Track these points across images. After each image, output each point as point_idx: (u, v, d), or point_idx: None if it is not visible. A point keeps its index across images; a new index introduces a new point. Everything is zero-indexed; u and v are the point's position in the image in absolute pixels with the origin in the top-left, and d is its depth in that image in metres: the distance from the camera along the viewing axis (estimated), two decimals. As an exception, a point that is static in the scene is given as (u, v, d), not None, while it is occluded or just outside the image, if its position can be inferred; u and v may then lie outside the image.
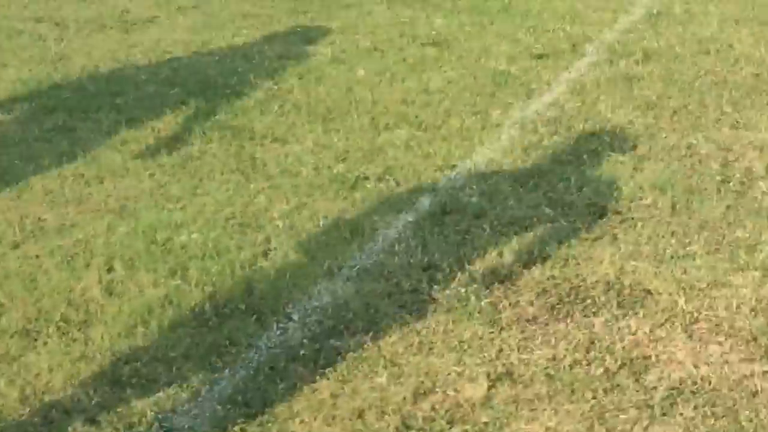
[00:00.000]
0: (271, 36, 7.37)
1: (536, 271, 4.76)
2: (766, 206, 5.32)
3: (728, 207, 5.28)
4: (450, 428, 4.07)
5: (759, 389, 4.09)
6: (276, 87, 6.77)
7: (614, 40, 7.20)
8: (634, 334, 4.39)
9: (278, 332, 4.53)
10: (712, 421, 3.93)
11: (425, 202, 5.34)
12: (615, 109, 6.23)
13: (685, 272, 4.74)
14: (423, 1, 7.82)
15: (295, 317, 4.62)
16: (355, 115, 6.19)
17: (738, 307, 4.50)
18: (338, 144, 6.01)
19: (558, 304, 4.55)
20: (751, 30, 7.31)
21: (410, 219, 5.22)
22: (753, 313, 4.49)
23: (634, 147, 5.85)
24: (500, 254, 4.86)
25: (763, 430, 3.91)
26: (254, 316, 4.58)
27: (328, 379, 4.33)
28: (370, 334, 4.43)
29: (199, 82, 6.93)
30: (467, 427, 4.07)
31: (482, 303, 4.53)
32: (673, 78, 6.63)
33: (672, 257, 4.89)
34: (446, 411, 4.15)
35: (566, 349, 4.26)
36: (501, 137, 5.92)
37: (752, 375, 4.14)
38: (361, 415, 4.18)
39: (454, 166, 5.66)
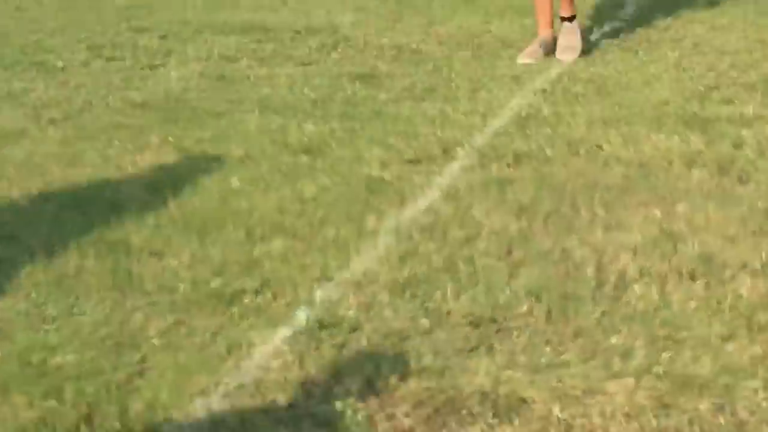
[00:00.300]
0: (143, 146, 7.32)
1: (412, 383, 4.73)
2: (640, 310, 5.35)
3: (603, 313, 5.31)
4: None
5: None
6: (151, 199, 6.77)
7: (485, 144, 7.29)
8: None
9: (153, 453, 4.22)
10: None
11: (302, 315, 5.31)
12: (489, 213, 6.30)
13: (560, 380, 4.73)
14: (293, 108, 7.84)
15: (171, 437, 4.37)
16: (231, 227, 6.22)
17: (612, 413, 4.52)
18: (215, 257, 5.98)
19: (434, 415, 4.53)
20: (618, 130, 7.48)
21: (287, 334, 5.18)
22: (627, 418, 4.53)
23: (509, 252, 5.92)
24: (377, 367, 4.84)
25: None
26: (130, 437, 4.31)
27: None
28: (247, 451, 4.13)
29: (73, 196, 6.86)
30: None
31: (358, 417, 4.52)
32: (545, 181, 6.76)
33: (547, 366, 4.88)
34: None
35: (442, 460, 4.22)
36: (377, 246, 5.98)
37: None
38: None
39: (330, 278, 5.67)
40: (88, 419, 4.58)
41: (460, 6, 9.52)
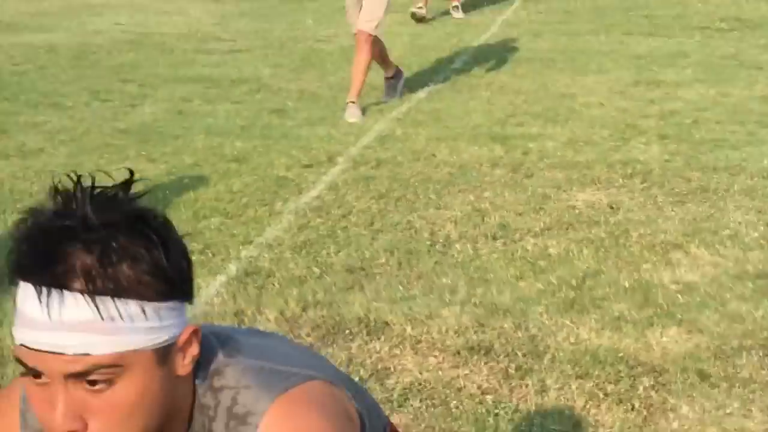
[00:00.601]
0: (124, 159, 7.04)
1: (310, 312, 4.84)
2: (461, 261, 5.44)
3: (436, 263, 5.42)
4: None
5: (462, 386, 4.17)
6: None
7: (357, 154, 7.28)
8: (378, 353, 4.45)
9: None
10: (432, 409, 4.01)
11: (232, 268, 5.37)
12: (358, 199, 6.37)
13: (410, 309, 4.86)
14: (228, 132, 7.81)
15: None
16: (182, 209, 6.13)
17: (446, 330, 4.63)
18: None
19: (326, 335, 4.65)
20: (447, 144, 7.48)
21: (223, 280, 5.22)
22: (455, 334, 4.61)
23: (372, 224, 5.97)
24: (285, 302, 4.93)
25: (466, 414, 3.94)
26: None
27: None
28: None
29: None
30: None
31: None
32: (396, 177, 6.75)
33: (401, 299, 5.01)
34: None
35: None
36: (282, 221, 6.03)
37: (458, 377, 4.23)
38: None
39: (251, 242, 5.70)
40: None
41: (344, 63, 9.53)
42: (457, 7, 12.64)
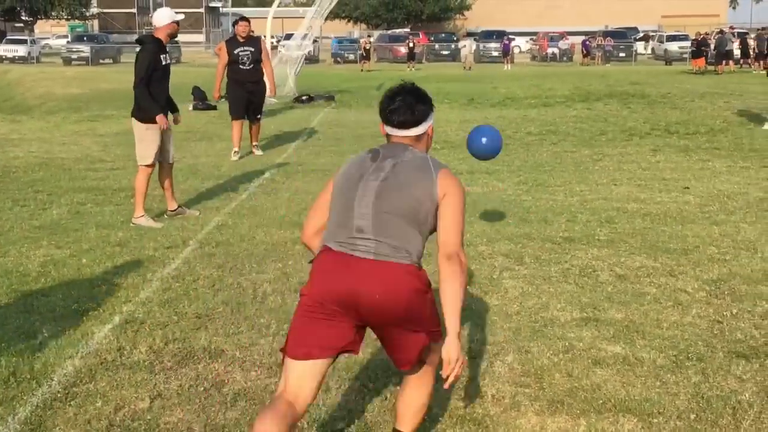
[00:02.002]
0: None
1: (171, 345, 4.77)
2: (274, 308, 5.42)
3: (256, 309, 5.40)
4: None
5: (274, 390, 4.19)
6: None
7: (203, 238, 7.11)
8: (217, 370, 4.38)
9: None
10: (254, 407, 4.03)
11: (117, 318, 5.20)
12: (204, 269, 6.26)
13: (239, 340, 4.83)
14: (113, 225, 7.57)
15: None
16: (75, 282, 5.99)
17: (263, 353, 4.64)
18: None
19: (182, 360, 4.56)
20: (263, 229, 7.45)
21: (109, 326, 5.04)
22: (270, 356, 4.58)
23: (213, 285, 5.87)
24: (154, 340, 4.84)
25: None
26: None
27: None
28: None
29: None
30: None
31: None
32: (230, 253, 6.64)
33: (233, 333, 4.98)
34: None
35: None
36: (152, 286, 5.87)
37: (271, 384, 4.24)
38: None
39: (130, 300, 5.53)
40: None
41: (190, 176, 9.35)
42: (257, 145, 12.50)
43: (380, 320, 3.10)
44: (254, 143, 12.51)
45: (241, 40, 11.93)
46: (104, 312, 5.37)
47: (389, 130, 3.34)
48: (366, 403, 4.08)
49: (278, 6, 26.08)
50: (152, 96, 7.63)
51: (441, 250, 3.11)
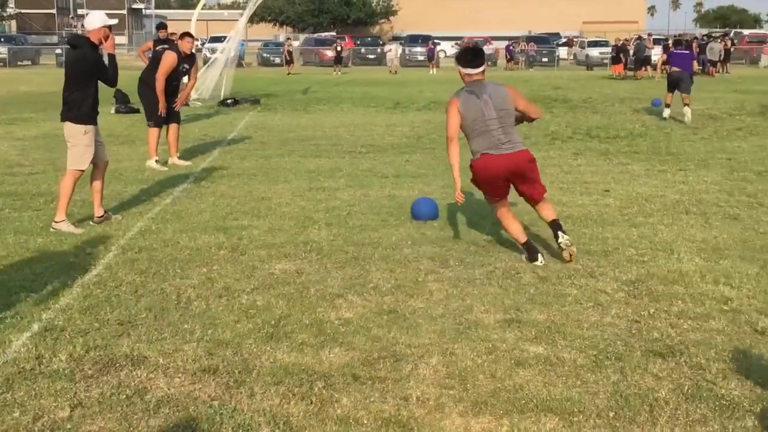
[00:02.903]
0: None
1: (92, 353, 4.69)
2: (198, 313, 5.38)
3: (180, 315, 5.35)
4: None
5: (197, 396, 4.14)
6: None
7: (125, 243, 7.01)
8: (140, 377, 4.34)
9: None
10: (177, 413, 4.00)
11: (35, 326, 5.09)
12: (126, 274, 6.18)
13: (162, 346, 4.78)
14: (31, 230, 7.40)
15: None
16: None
17: (187, 359, 4.61)
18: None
19: (103, 368, 4.50)
20: (187, 234, 7.40)
21: (28, 335, 4.94)
22: (193, 362, 4.55)
23: (136, 291, 5.81)
24: (74, 347, 4.75)
25: (200, 414, 3.97)
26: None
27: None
28: None
29: None
30: None
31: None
32: (153, 259, 6.58)
33: (156, 340, 4.91)
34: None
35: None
36: (72, 293, 5.75)
37: (195, 390, 4.22)
38: None
39: (50, 308, 5.43)
40: None
41: (112, 180, 9.19)
42: (180, 157, 12.15)
43: (521, 177, 6.58)
44: (176, 154, 11.99)
45: (184, 56, 11.57)
46: (22, 320, 5.24)
47: (470, 71, 6.59)
48: (291, 408, 4.07)
49: (202, 8, 25.81)
50: (83, 99, 7.58)
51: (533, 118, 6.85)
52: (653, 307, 5.53)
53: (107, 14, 7.87)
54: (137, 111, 18.20)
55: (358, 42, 58.92)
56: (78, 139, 7.65)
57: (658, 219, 8.14)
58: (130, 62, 36.10)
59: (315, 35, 63.81)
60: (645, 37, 45.33)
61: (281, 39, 66.77)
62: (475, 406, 4.09)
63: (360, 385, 4.31)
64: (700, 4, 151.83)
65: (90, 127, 7.67)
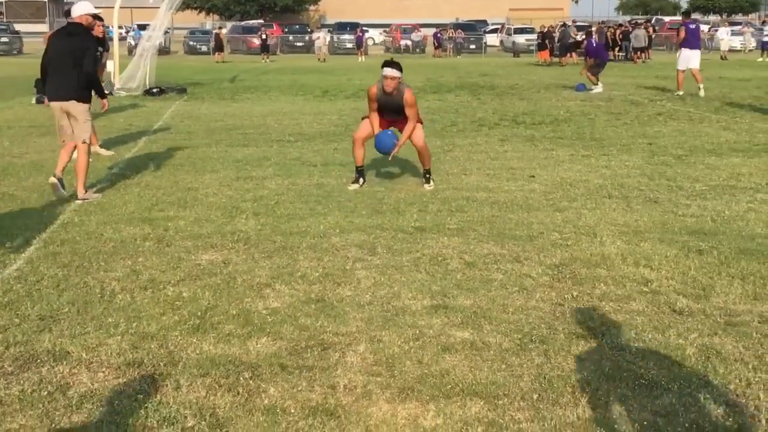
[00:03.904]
0: None
1: (12, 349, 4.59)
2: (122, 306, 5.30)
3: (104, 308, 5.27)
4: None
5: (122, 390, 4.09)
6: None
7: (47, 236, 6.87)
8: (62, 373, 4.28)
9: None
10: (101, 408, 3.96)
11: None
12: (48, 268, 6.06)
13: (86, 341, 4.72)
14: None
15: None
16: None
17: (111, 353, 4.54)
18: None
19: (23, 364, 4.41)
20: (111, 226, 7.27)
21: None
22: (118, 355, 4.49)
23: (58, 285, 5.69)
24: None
25: (124, 409, 3.92)
26: None
27: None
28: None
29: None
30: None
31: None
32: (76, 252, 6.47)
33: (79, 334, 4.83)
34: None
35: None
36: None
37: (119, 384, 4.17)
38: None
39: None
40: None
41: (34, 172, 8.92)
42: (102, 146, 11.90)
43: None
44: (97, 143, 11.78)
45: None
46: (-62, 317, 5.10)
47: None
48: (217, 399, 4.04)
49: (126, -5, 25.29)
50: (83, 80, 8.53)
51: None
52: (576, 290, 5.63)
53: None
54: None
55: (286, 29, 58.51)
56: (86, 115, 8.66)
57: (582, 203, 8.29)
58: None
59: (242, 23, 63.10)
60: (570, 24, 45.98)
61: (208, 27, 65.94)
62: (401, 393, 4.12)
63: (287, 375, 4.30)
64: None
65: (90, 105, 8.79)
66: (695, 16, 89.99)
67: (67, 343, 4.71)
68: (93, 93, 8.86)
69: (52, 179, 8.49)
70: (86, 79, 8.53)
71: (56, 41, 8.66)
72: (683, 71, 20.00)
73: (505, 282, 5.83)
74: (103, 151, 11.59)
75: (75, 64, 8.43)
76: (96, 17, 9.08)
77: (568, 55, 37.73)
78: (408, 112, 8.75)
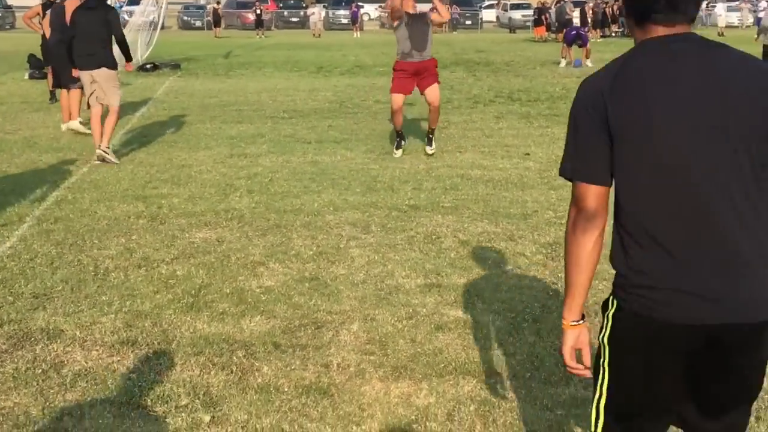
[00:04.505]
0: None
1: (6, 327, 4.61)
2: (116, 284, 5.31)
3: (98, 286, 5.27)
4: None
5: (116, 369, 4.09)
6: None
7: (40, 214, 6.92)
8: (56, 351, 4.28)
9: None
10: (95, 386, 3.95)
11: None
12: (42, 246, 6.06)
13: (79, 319, 4.72)
14: None
15: None
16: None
17: (105, 332, 4.54)
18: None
19: (17, 342, 4.42)
20: (104, 203, 7.27)
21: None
22: (112, 334, 4.49)
23: (52, 263, 5.68)
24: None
25: (117, 386, 3.94)
26: None
27: None
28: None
29: None
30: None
31: None
32: (70, 230, 6.44)
33: (72, 312, 4.83)
34: None
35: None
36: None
37: (113, 362, 4.18)
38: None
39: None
40: None
41: (27, 149, 8.91)
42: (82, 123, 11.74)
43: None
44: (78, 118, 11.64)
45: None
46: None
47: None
48: (211, 378, 4.06)
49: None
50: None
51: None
52: (570, 269, 5.63)
53: None
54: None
55: (281, 5, 58.15)
56: (114, 81, 9.37)
57: (576, 182, 8.28)
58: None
59: (237, -2, 62.63)
60: (566, 0, 45.75)
61: (202, 2, 65.49)
62: (395, 371, 4.14)
63: (281, 353, 4.32)
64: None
65: (117, 71, 9.52)
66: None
67: (61, 322, 4.72)
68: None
69: (99, 151, 9.08)
70: (118, 44, 9.45)
71: (81, 15, 9.21)
72: None
73: (499, 261, 5.85)
74: (81, 128, 11.34)
75: (102, 34, 9.16)
76: None
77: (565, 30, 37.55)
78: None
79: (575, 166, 2.23)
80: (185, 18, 53.20)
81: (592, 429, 2.32)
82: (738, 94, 2.04)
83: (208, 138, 10.91)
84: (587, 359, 2.34)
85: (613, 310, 2.27)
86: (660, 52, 2.10)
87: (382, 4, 59.17)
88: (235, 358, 4.27)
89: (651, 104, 2.06)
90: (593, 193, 2.17)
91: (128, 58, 9.88)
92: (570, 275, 2.25)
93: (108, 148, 9.17)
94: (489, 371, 4.14)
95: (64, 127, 11.37)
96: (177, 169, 8.90)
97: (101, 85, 9.27)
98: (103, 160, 9.09)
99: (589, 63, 22.84)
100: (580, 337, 2.33)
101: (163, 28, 46.62)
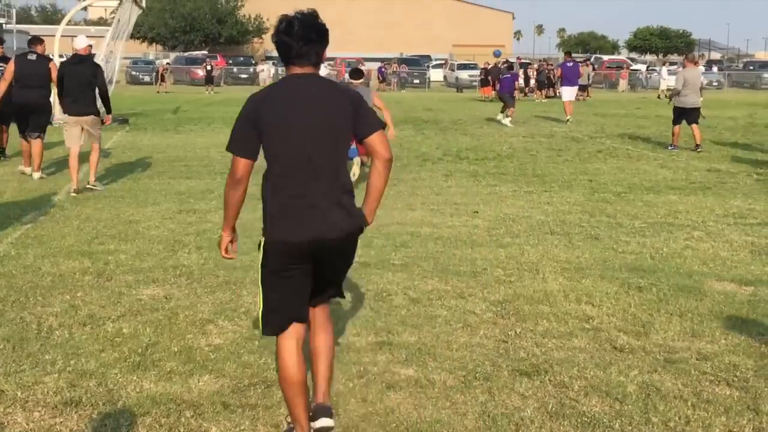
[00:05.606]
0: None
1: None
2: (60, 342, 5.20)
3: (41, 345, 5.15)
4: None
5: (59, 430, 4.04)
6: None
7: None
8: None
9: None
10: None
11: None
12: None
13: (21, 379, 4.60)
14: None
15: None
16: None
17: (47, 392, 4.43)
18: None
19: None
20: (49, 259, 7.14)
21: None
22: (55, 394, 4.38)
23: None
24: None
25: None
26: None
27: None
28: None
29: None
30: None
31: None
32: (12, 286, 6.30)
33: (14, 372, 4.70)
34: None
35: None
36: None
37: (56, 424, 4.06)
38: None
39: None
40: None
41: None
42: (40, 172, 11.91)
43: None
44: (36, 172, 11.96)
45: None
46: None
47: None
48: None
49: (67, 24, 25.00)
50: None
51: None
52: (520, 327, 5.67)
53: None
54: None
55: (231, 61, 58.40)
56: (99, 125, 10.93)
57: (525, 239, 8.38)
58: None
59: (186, 54, 62.85)
60: (513, 61, 46.73)
61: (151, 57, 65.50)
62: (346, 431, 4.08)
63: (230, 414, 4.24)
64: (563, 30, 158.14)
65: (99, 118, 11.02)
66: (633, 55, 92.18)
67: (2, 382, 4.58)
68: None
69: (88, 186, 10.71)
70: (101, 96, 10.87)
71: (70, 69, 10.60)
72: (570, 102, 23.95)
73: (450, 318, 5.85)
74: (34, 174, 11.90)
75: (90, 85, 10.61)
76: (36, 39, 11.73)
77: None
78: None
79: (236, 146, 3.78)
80: (134, 73, 53.12)
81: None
82: (332, 106, 3.72)
83: (156, 193, 10.81)
84: (235, 250, 4.37)
85: (262, 241, 4.03)
86: (295, 82, 3.70)
87: (331, 62, 59.78)
88: (183, 418, 4.17)
89: (285, 111, 3.66)
90: (243, 164, 3.84)
91: (108, 110, 11.16)
92: (227, 210, 4.14)
93: (96, 182, 10.86)
94: (441, 431, 4.11)
95: (36, 175, 11.98)
96: (124, 224, 8.79)
97: (87, 129, 10.74)
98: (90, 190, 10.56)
99: (509, 123, 22.89)
100: (232, 240, 4.31)
101: (110, 82, 46.50)
